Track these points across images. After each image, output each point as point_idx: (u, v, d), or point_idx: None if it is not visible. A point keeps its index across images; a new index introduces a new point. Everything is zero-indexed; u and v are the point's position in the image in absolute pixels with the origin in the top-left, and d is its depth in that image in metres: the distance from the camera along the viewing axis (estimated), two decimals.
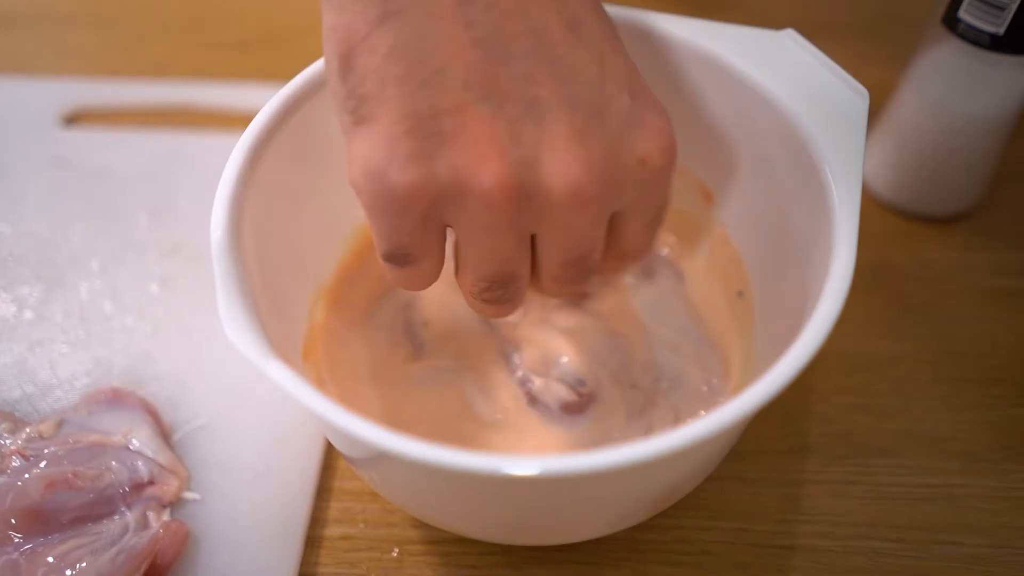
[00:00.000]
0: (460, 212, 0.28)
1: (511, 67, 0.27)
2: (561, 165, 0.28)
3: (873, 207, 0.52)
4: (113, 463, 0.39)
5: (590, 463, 0.26)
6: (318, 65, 0.37)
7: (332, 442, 0.37)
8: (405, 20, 0.27)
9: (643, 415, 0.39)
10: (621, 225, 0.32)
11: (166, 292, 0.47)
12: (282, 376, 0.28)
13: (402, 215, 0.28)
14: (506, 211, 0.28)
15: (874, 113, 0.51)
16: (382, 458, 0.31)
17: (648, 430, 0.39)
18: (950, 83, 0.46)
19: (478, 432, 0.38)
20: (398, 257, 0.30)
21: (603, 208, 0.29)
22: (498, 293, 0.32)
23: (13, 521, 0.37)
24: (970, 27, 0.43)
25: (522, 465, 0.27)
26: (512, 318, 0.41)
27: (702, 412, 0.39)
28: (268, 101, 0.36)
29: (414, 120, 0.27)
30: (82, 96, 0.57)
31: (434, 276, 0.32)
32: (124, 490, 0.39)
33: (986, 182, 0.51)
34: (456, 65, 0.27)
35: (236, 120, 0.56)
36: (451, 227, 0.30)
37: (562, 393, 0.39)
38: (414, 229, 0.29)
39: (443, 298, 0.42)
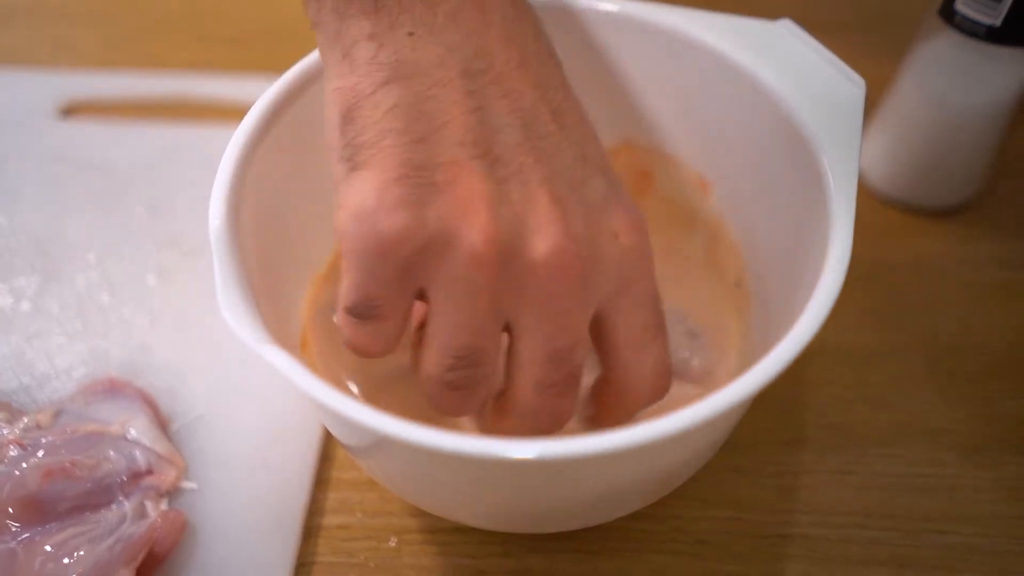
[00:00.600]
0: (442, 265, 0.28)
1: (504, 136, 0.29)
2: (544, 227, 0.28)
3: (871, 201, 0.52)
4: (111, 452, 0.39)
5: (587, 447, 0.26)
6: (315, 55, 0.37)
7: (329, 428, 0.37)
8: (410, 83, 0.28)
9: None
10: (615, 323, 0.31)
11: (163, 284, 0.47)
12: (280, 361, 0.28)
13: (384, 261, 0.28)
14: (490, 267, 0.28)
15: (872, 107, 0.52)
16: (380, 443, 0.31)
17: None
18: (947, 76, 0.46)
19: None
20: (365, 310, 0.29)
21: (584, 282, 0.29)
22: (465, 374, 0.30)
23: (11, 510, 0.37)
24: (967, 19, 0.43)
25: (521, 449, 0.27)
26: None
27: (691, 360, 0.40)
28: (266, 90, 0.36)
29: (408, 169, 0.28)
30: (79, 89, 0.57)
31: (392, 342, 0.31)
32: (122, 479, 0.39)
33: (984, 175, 0.51)
34: (454, 126, 0.28)
35: (233, 113, 0.56)
36: (427, 290, 0.29)
37: None
38: (390, 280, 0.28)
39: None
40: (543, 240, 0.28)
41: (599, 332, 0.31)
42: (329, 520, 0.40)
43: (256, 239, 0.34)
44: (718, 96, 0.39)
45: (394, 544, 0.39)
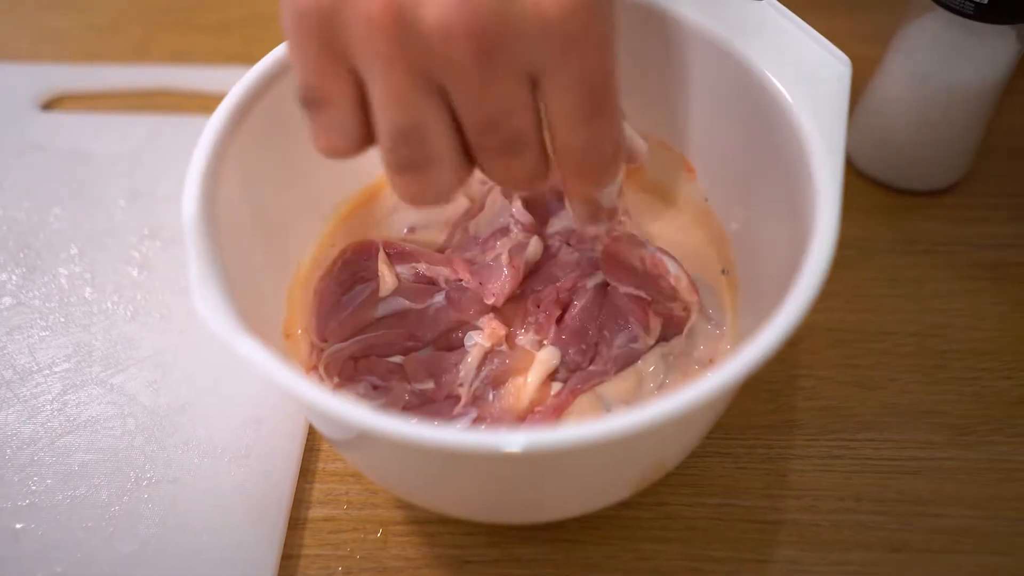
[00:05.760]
0: (352, 35, 0.28)
1: None
2: None
3: (858, 182, 0.52)
4: None
5: (566, 438, 0.26)
6: None
7: (310, 420, 0.36)
8: None
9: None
10: (545, 101, 0.30)
11: (145, 276, 0.47)
12: (252, 352, 0.28)
13: (305, 36, 0.28)
14: (389, 32, 0.27)
15: (860, 90, 0.51)
16: (359, 437, 0.31)
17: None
18: (934, 54, 0.45)
19: None
20: (309, 95, 0.29)
21: (493, 52, 0.28)
22: (407, 153, 0.29)
23: None
24: None
25: (509, 441, 0.26)
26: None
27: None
28: (242, 78, 0.35)
29: None
30: (60, 81, 0.57)
31: (351, 136, 0.30)
32: None
33: (970, 156, 0.50)
34: None
35: (216, 104, 0.55)
36: (356, 69, 0.29)
37: None
38: (318, 57, 0.28)
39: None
40: (434, 6, 0.27)
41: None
42: (315, 512, 0.40)
43: (234, 227, 0.34)
44: (701, 75, 0.38)
45: (380, 536, 0.39)
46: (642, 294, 0.39)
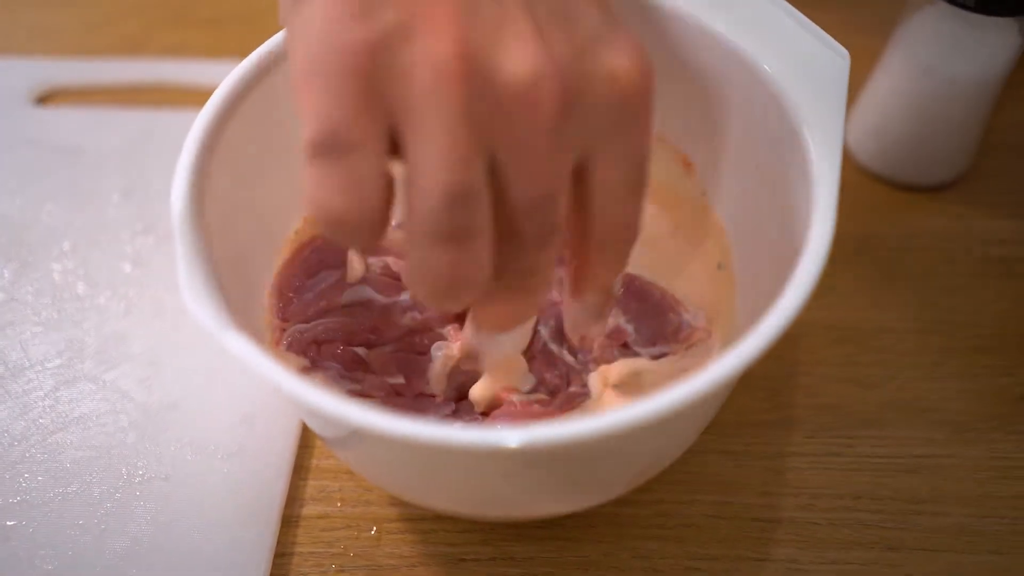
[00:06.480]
0: (410, 82, 0.24)
1: None
2: (520, 52, 0.25)
3: (859, 177, 0.51)
4: None
5: (564, 433, 0.26)
6: (277, 37, 0.36)
7: (302, 418, 0.36)
8: None
9: None
10: (594, 175, 0.28)
11: (139, 271, 0.47)
12: (242, 348, 0.27)
13: (345, 77, 0.24)
14: (460, 83, 0.24)
15: (861, 82, 0.51)
16: (350, 434, 0.30)
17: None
18: (935, 47, 0.45)
19: None
20: (329, 143, 0.25)
21: (565, 119, 0.26)
22: (454, 220, 0.25)
23: None
24: None
25: (504, 437, 0.26)
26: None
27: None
28: (231, 72, 0.35)
29: None
30: (54, 75, 0.56)
31: (369, 192, 0.25)
32: None
33: (972, 150, 0.50)
34: None
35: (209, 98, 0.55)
36: (399, 121, 0.25)
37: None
38: (354, 100, 0.24)
39: None
40: (519, 60, 0.24)
41: (576, 179, 0.28)
42: (308, 509, 0.39)
43: (224, 223, 0.33)
44: (697, 68, 0.37)
45: (374, 533, 0.39)
46: (628, 329, 0.38)
